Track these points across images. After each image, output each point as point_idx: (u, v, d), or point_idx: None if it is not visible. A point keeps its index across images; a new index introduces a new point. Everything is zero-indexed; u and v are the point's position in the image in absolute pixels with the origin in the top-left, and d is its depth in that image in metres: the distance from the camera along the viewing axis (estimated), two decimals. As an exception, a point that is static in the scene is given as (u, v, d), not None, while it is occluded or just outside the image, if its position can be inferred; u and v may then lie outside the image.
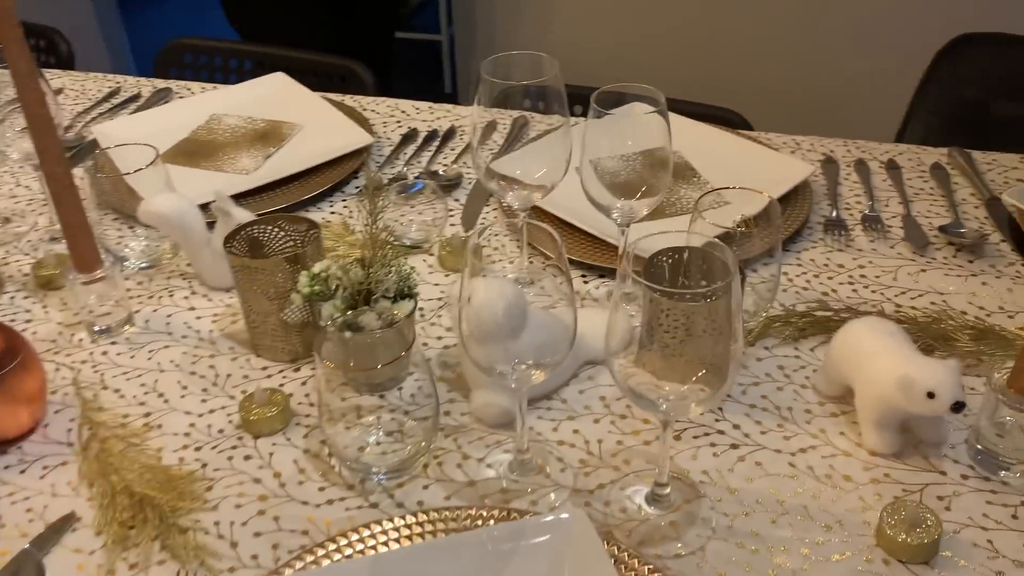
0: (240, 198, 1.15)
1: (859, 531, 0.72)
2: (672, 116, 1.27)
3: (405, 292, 0.85)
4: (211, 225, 1.01)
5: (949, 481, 0.76)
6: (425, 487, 0.78)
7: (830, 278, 1.01)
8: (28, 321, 0.99)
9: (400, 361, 0.79)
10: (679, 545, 0.72)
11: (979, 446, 0.78)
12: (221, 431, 0.84)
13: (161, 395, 0.88)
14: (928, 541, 0.69)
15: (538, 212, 1.09)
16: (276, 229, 0.94)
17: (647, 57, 2.53)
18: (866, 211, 1.11)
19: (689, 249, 0.86)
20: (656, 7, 2.53)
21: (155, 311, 1.00)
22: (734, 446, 0.80)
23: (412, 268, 0.88)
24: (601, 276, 1.02)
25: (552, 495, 0.76)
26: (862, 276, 1.01)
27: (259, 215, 1.01)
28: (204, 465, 0.80)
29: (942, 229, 1.06)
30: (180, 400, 0.88)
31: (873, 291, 0.98)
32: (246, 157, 1.25)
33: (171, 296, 1.02)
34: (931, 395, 0.72)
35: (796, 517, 0.73)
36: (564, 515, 0.68)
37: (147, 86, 1.50)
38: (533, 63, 0.90)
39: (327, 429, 0.78)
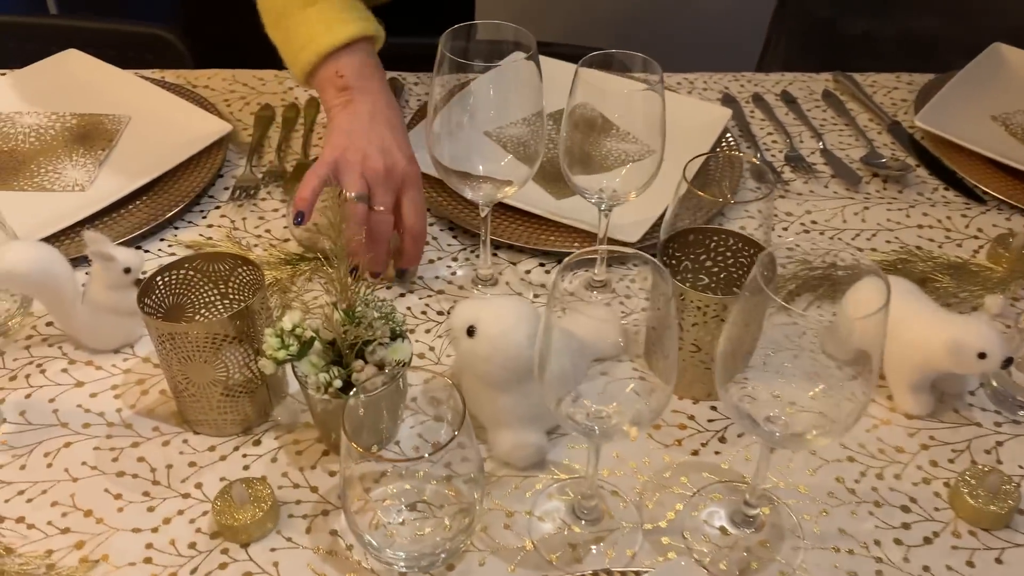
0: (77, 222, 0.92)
1: (934, 504, 0.70)
2: (558, 63, 1.19)
3: (396, 332, 0.70)
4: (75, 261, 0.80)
5: (988, 431, 0.76)
6: (481, 563, 0.66)
7: (785, 229, 0.98)
8: None
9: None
10: (780, 564, 0.66)
11: (996, 384, 0.79)
12: (193, 545, 0.66)
13: (89, 513, 0.68)
14: (1012, 506, 0.68)
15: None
16: (193, 272, 0.74)
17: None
18: (787, 151, 1.09)
19: (700, 230, 0.79)
20: None
21: (28, 396, 0.76)
22: (779, 436, 0.75)
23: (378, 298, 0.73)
24: (559, 261, 0.92)
25: (625, 539, 0.68)
26: (813, 222, 0.98)
27: (125, 243, 0.80)
28: (194, 598, 0.63)
29: (864, 161, 1.06)
30: (118, 515, 0.68)
31: (830, 237, 0.96)
32: (71, 167, 0.99)
33: (43, 372, 0.78)
34: (982, 356, 0.71)
35: (871, 504, 0.70)
36: (671, 567, 0.60)
37: None
38: (501, 34, 0.76)
39: (353, 516, 0.62)
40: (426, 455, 0.55)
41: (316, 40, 0.89)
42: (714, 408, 0.77)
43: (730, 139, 1.08)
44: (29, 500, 0.68)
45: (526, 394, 0.70)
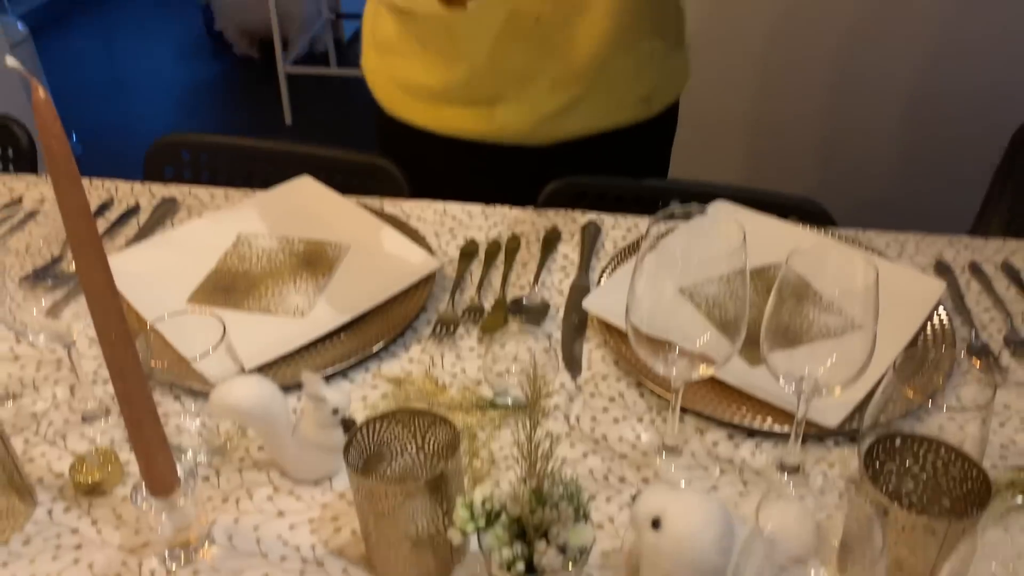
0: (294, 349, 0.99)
1: None
2: (760, 217, 1.18)
3: (579, 513, 0.71)
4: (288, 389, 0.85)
5: None
6: None
7: (1002, 424, 0.91)
8: (78, 547, 0.80)
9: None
10: None
11: None
12: None
13: (277, 652, 0.72)
14: None
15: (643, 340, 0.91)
16: (395, 424, 0.78)
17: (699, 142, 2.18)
18: (1006, 332, 1.01)
19: (908, 436, 0.75)
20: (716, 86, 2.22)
21: (236, 521, 0.82)
22: (986, 675, 0.69)
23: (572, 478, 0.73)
24: (751, 436, 0.90)
25: None
26: (1035, 419, 0.91)
27: (334, 373, 0.85)
28: None
29: (1099, 353, 0.98)
30: (303, 658, 0.71)
31: (1054, 439, 0.89)
32: (294, 292, 1.08)
33: (251, 497, 0.85)
34: None
35: None
36: None
37: (144, 193, 1.31)
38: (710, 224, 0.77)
39: None
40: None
41: None
42: (912, 631, 0.72)
43: (942, 314, 1.02)
44: (227, 628, 0.73)
45: (710, 595, 0.68)
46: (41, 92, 0.55)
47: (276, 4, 3.98)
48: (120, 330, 0.66)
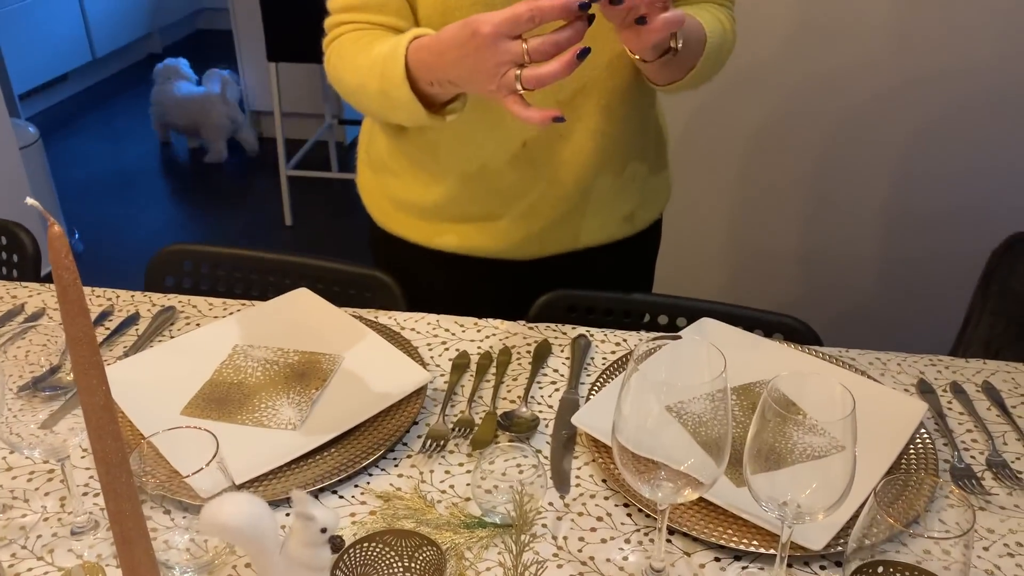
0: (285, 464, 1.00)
1: None
2: (745, 335, 1.21)
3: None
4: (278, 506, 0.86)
5: None
6: None
7: (986, 549, 0.91)
8: (60, 668, 0.79)
9: None
10: None
11: None
12: None
13: None
14: None
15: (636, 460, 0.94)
16: (383, 546, 0.79)
17: (683, 261, 2.24)
18: (988, 454, 1.03)
19: (891, 563, 0.76)
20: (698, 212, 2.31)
21: (221, 641, 0.82)
22: None
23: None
24: (737, 559, 0.90)
25: None
26: (1018, 544, 0.92)
27: (323, 488, 0.85)
28: None
29: (1079, 477, 0.99)
30: None
31: (1038, 565, 0.89)
32: (287, 404, 1.09)
33: (237, 616, 0.84)
34: None
35: None
36: None
37: (144, 302, 1.33)
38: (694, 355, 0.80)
39: None
40: None
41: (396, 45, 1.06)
42: None
43: (925, 435, 1.04)
44: None
45: None
46: (56, 228, 0.58)
47: (199, 111, 4.19)
48: (117, 454, 0.67)
